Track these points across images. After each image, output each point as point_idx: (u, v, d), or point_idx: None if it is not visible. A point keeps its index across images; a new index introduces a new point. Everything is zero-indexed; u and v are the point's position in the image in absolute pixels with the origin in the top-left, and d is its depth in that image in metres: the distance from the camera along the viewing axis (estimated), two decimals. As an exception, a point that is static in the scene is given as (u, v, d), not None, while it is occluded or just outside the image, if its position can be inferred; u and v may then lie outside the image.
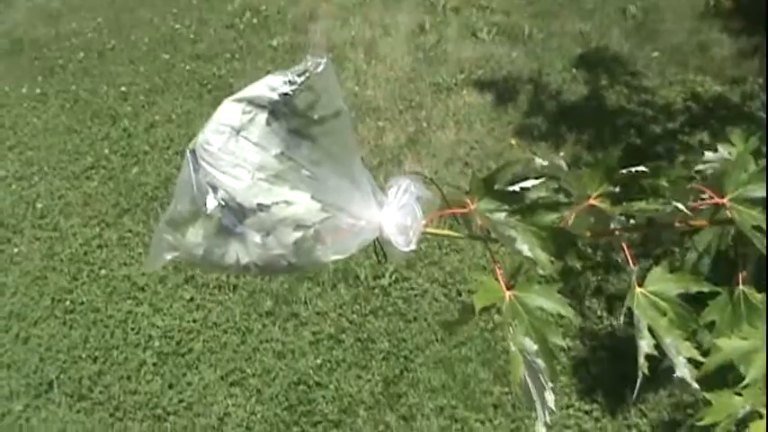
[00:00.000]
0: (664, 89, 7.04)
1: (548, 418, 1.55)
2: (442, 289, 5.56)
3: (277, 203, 1.46)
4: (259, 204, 1.46)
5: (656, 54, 7.46)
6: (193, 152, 1.47)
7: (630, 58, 7.47)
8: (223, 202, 1.46)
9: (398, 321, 5.41)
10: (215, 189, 1.46)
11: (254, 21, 8.42)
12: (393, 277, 5.63)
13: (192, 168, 1.47)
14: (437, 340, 5.29)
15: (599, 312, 5.27)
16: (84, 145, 7.06)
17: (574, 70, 7.36)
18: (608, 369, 5.01)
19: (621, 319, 1.50)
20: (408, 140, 6.75)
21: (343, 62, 7.64)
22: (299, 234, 1.48)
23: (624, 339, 5.04)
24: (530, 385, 1.54)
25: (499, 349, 5.14)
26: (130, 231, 6.23)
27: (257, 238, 1.48)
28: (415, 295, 5.55)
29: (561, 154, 5.70)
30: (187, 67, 7.85)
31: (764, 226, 1.60)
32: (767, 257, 1.61)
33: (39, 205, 6.54)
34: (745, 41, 7.36)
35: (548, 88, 7.21)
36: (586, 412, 4.86)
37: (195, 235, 1.51)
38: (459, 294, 5.51)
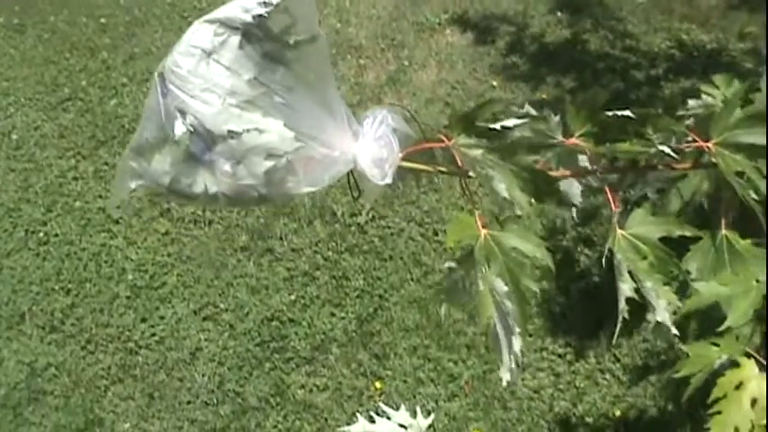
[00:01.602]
0: (648, 36, 6.98)
1: (512, 364, 1.52)
2: (419, 228, 5.54)
3: (248, 131, 1.41)
4: (229, 131, 1.40)
5: (641, 0, 7.40)
6: (161, 75, 1.41)
7: (616, 4, 7.40)
8: (192, 128, 1.40)
9: (374, 260, 5.39)
10: (183, 114, 1.40)
11: (237, -46, 8.30)
12: (370, 215, 5.60)
13: (159, 93, 1.41)
14: (412, 280, 5.28)
15: (576, 256, 5.26)
16: (62, 77, 6.98)
17: (558, 13, 7.30)
18: (582, 313, 5.00)
19: (603, 261, 1.48)
20: (389, 79, 6.70)
21: (326, -1, 7.58)
22: (270, 163, 1.43)
23: (599, 283, 5.04)
24: (497, 327, 1.51)
25: (474, 289, 5.12)
26: (106, 164, 6.18)
27: (227, 167, 1.42)
28: (392, 234, 5.52)
29: (543, 96, 5.69)
30: (168, 0, 7.76)
31: (748, 172, 1.58)
32: (767, 208, 1.58)
33: (14, 136, 6.49)
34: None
35: (531, 31, 7.15)
36: (559, 355, 4.86)
37: (162, 162, 1.45)
38: (436, 234, 5.49)
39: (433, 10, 7.36)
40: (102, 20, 7.55)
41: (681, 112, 1.85)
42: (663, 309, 1.55)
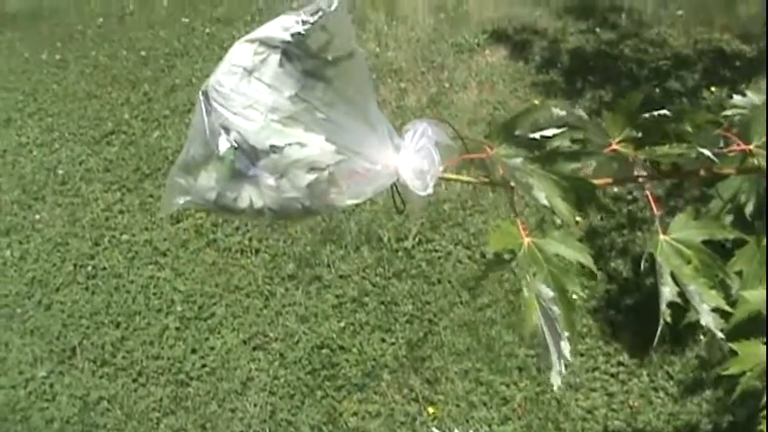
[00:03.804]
0: (688, 48, 6.96)
1: (563, 368, 1.51)
2: (466, 251, 5.51)
3: (290, 145, 1.43)
4: (272, 146, 1.43)
5: (680, 12, 7.36)
6: (205, 94, 1.45)
7: (654, 17, 7.37)
8: (236, 144, 1.43)
9: (422, 284, 5.37)
10: (227, 131, 1.43)
11: (274, -16, 8.37)
12: (416, 239, 5.59)
13: (204, 111, 1.45)
14: (461, 303, 5.25)
15: (625, 274, 5.22)
16: (105, 110, 7.04)
17: (597, 30, 7.29)
18: (634, 331, 4.96)
19: (642, 266, 1.46)
20: (430, 101, 6.70)
21: (364, 23, 7.59)
22: (312, 176, 1.45)
23: (651, 300, 4.98)
24: (545, 334, 1.51)
25: (524, 311, 5.08)
26: (151, 196, 6.21)
27: (271, 181, 1.45)
28: (439, 257, 5.50)
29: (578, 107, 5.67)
30: (207, 31, 7.82)
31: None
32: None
33: (60, 171, 6.53)
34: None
35: (571, 48, 7.14)
36: (612, 375, 4.81)
37: (208, 178, 1.48)
38: (483, 256, 5.46)
39: (472, 30, 7.37)
40: (143, 53, 7.62)
41: (727, 113, 1.83)
42: (707, 313, 1.53)
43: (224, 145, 1.43)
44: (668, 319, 1.54)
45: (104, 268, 5.76)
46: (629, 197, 5.50)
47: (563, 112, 1.60)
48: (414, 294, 5.32)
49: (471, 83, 6.82)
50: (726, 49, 6.88)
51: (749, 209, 1.83)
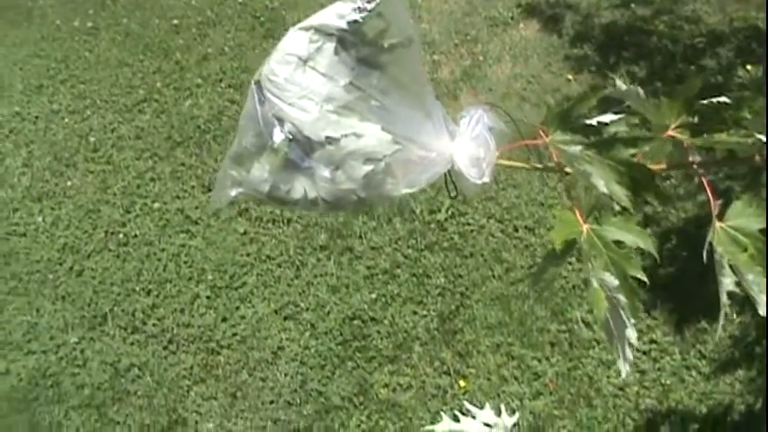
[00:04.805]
0: (723, 25, 6.90)
1: (630, 355, 1.50)
2: (499, 225, 5.51)
3: (346, 136, 1.42)
4: (327, 137, 1.41)
5: (717, -12, 7.31)
6: (258, 84, 1.43)
7: (690, -7, 7.32)
8: (290, 136, 1.42)
9: (455, 257, 5.36)
10: (281, 122, 1.42)
11: (307, -48, 8.33)
12: (449, 212, 5.58)
13: (257, 101, 1.43)
14: (494, 276, 5.24)
15: (658, 249, 5.20)
16: (137, 78, 7.03)
17: (632, 5, 7.22)
18: (667, 309, 4.95)
19: (704, 255, 1.45)
20: (463, 74, 6.67)
21: (398, -6, 7.54)
22: (369, 167, 1.44)
23: (684, 277, 4.97)
24: (610, 322, 1.50)
25: (557, 286, 5.08)
26: (183, 164, 6.21)
27: (326, 173, 1.44)
28: (472, 231, 5.49)
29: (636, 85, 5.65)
30: (239, 0, 7.78)
31: None
32: None
33: (92, 139, 6.53)
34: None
35: (605, 23, 7.09)
36: (644, 353, 4.81)
37: (261, 170, 1.47)
38: (516, 230, 5.45)
39: (506, 4, 7.32)
40: (175, 21, 7.59)
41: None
42: (765, 303, 1.50)
43: (278, 136, 1.42)
44: (728, 311, 1.53)
45: (135, 236, 5.78)
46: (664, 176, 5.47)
47: (624, 87, 1.58)
48: (446, 267, 5.32)
49: (505, 56, 6.78)
50: (761, 26, 6.81)
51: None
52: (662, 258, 5.15)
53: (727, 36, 6.76)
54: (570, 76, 6.50)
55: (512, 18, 7.17)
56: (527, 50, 6.81)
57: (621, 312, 1.48)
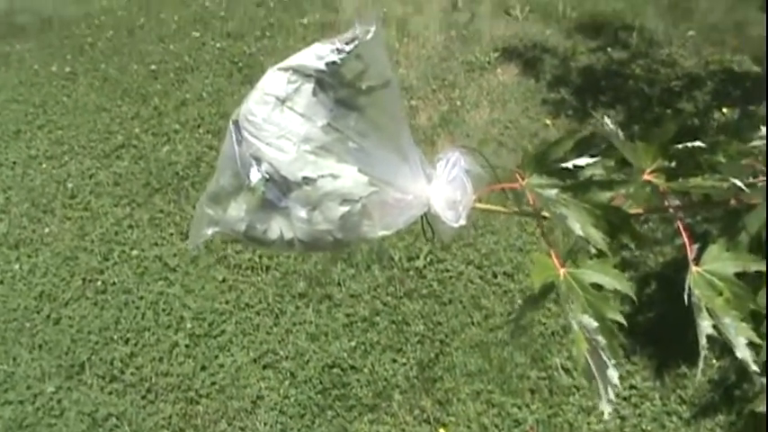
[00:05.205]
0: (698, 68, 6.95)
1: (612, 396, 1.50)
2: (478, 271, 5.49)
3: (323, 177, 1.43)
4: (305, 178, 1.42)
5: (691, 33, 7.36)
6: (236, 123, 1.44)
7: (665, 37, 7.37)
8: (267, 175, 1.42)
9: (434, 304, 5.34)
10: (259, 161, 1.42)
11: (285, -1, 8.37)
12: (428, 259, 5.57)
13: (234, 140, 1.44)
14: (473, 323, 5.22)
15: (637, 294, 5.19)
16: (115, 124, 7.03)
17: (608, 49, 7.28)
18: (647, 354, 4.93)
19: (685, 298, 1.46)
20: (442, 120, 6.69)
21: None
22: (345, 209, 1.44)
23: (663, 322, 4.96)
24: (591, 364, 1.50)
25: (536, 333, 5.07)
26: (161, 211, 6.19)
27: (302, 213, 1.45)
28: (450, 277, 5.48)
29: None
30: (217, 45, 7.81)
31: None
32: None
33: (69, 185, 6.51)
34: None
35: (582, 67, 7.13)
36: (624, 398, 4.78)
37: (237, 209, 1.48)
38: (495, 276, 5.44)
39: (483, 48, 7.37)
40: (153, 66, 7.61)
41: (756, 143, 1.81)
42: (743, 346, 1.52)
43: (255, 176, 1.42)
44: (707, 353, 1.53)
45: (114, 283, 5.74)
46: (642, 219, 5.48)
47: (611, 125, 1.59)
48: (425, 314, 5.29)
49: (482, 101, 6.80)
50: (737, 69, 6.88)
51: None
52: (641, 303, 5.14)
53: (702, 79, 6.81)
54: (548, 121, 6.53)
55: (489, 63, 7.21)
56: (504, 95, 6.84)
57: (602, 353, 1.49)
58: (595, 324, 1.46)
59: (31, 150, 6.90)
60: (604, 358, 1.48)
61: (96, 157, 6.73)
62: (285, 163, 1.40)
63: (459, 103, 6.83)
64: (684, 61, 7.05)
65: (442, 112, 6.77)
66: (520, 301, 5.25)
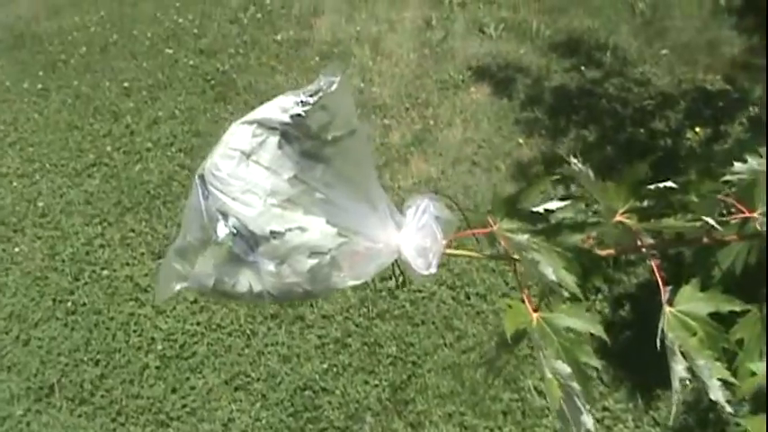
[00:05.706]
0: (672, 87, 6.97)
1: None
2: (450, 291, 5.48)
3: (291, 230, 1.41)
4: (272, 232, 1.40)
5: (664, 52, 7.38)
6: (202, 178, 1.42)
7: (639, 56, 7.39)
8: (234, 230, 1.41)
9: (406, 325, 5.33)
10: (225, 216, 1.40)
11: (258, 15, 8.35)
12: (400, 280, 5.54)
13: (200, 195, 1.42)
14: (445, 345, 5.21)
15: (610, 317, 5.20)
16: (86, 142, 6.99)
17: (582, 68, 7.29)
18: (620, 376, 4.93)
19: (658, 342, 1.46)
20: (415, 139, 6.68)
21: (348, 58, 7.58)
22: (314, 261, 1.43)
23: (636, 346, 4.96)
24: (565, 410, 1.49)
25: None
26: (133, 231, 6.16)
27: (271, 267, 1.43)
28: (423, 298, 5.47)
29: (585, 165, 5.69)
30: (190, 63, 7.78)
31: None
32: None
33: (40, 203, 6.47)
34: (756, 40, 7.27)
35: (556, 86, 7.14)
36: (598, 420, 4.78)
37: (205, 264, 1.46)
38: (468, 297, 5.43)
39: (456, 67, 7.37)
40: (126, 84, 7.58)
41: (727, 178, 1.82)
42: (717, 388, 1.51)
43: (222, 231, 1.40)
44: (680, 396, 1.53)
45: (84, 304, 5.70)
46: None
47: (580, 167, 1.59)
48: (397, 336, 5.28)
49: (456, 120, 6.80)
50: (709, 89, 6.90)
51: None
52: (614, 324, 5.15)
53: (675, 98, 6.84)
54: (521, 140, 6.53)
55: (462, 81, 7.21)
56: (478, 114, 6.84)
57: (576, 399, 1.48)
58: (569, 370, 1.46)
59: (1, 168, 6.86)
60: (578, 404, 1.47)
61: (68, 176, 6.69)
62: (252, 218, 1.39)
63: (432, 121, 6.83)
64: (658, 80, 7.06)
65: (415, 130, 6.76)
66: (491, 324, 5.24)
